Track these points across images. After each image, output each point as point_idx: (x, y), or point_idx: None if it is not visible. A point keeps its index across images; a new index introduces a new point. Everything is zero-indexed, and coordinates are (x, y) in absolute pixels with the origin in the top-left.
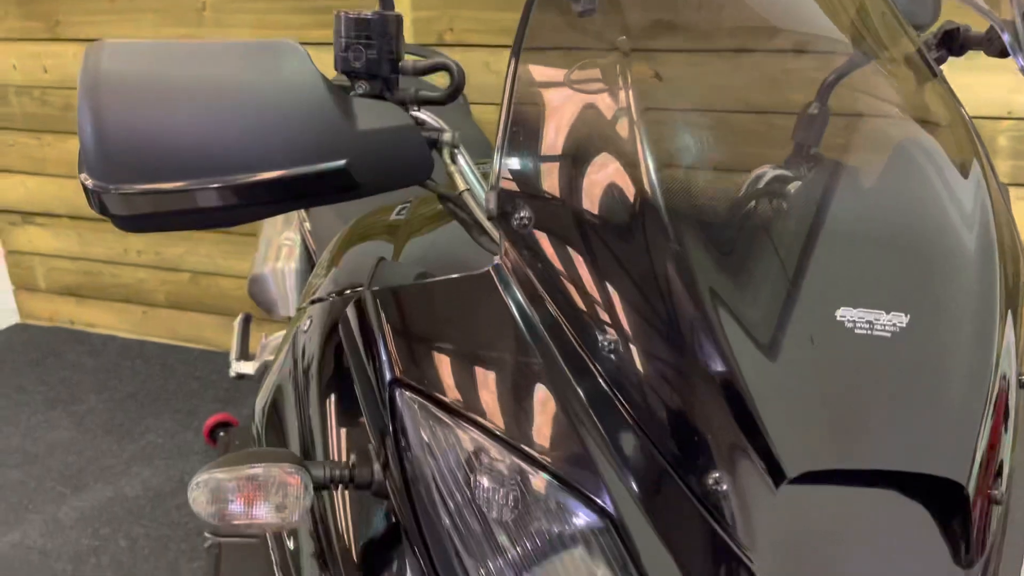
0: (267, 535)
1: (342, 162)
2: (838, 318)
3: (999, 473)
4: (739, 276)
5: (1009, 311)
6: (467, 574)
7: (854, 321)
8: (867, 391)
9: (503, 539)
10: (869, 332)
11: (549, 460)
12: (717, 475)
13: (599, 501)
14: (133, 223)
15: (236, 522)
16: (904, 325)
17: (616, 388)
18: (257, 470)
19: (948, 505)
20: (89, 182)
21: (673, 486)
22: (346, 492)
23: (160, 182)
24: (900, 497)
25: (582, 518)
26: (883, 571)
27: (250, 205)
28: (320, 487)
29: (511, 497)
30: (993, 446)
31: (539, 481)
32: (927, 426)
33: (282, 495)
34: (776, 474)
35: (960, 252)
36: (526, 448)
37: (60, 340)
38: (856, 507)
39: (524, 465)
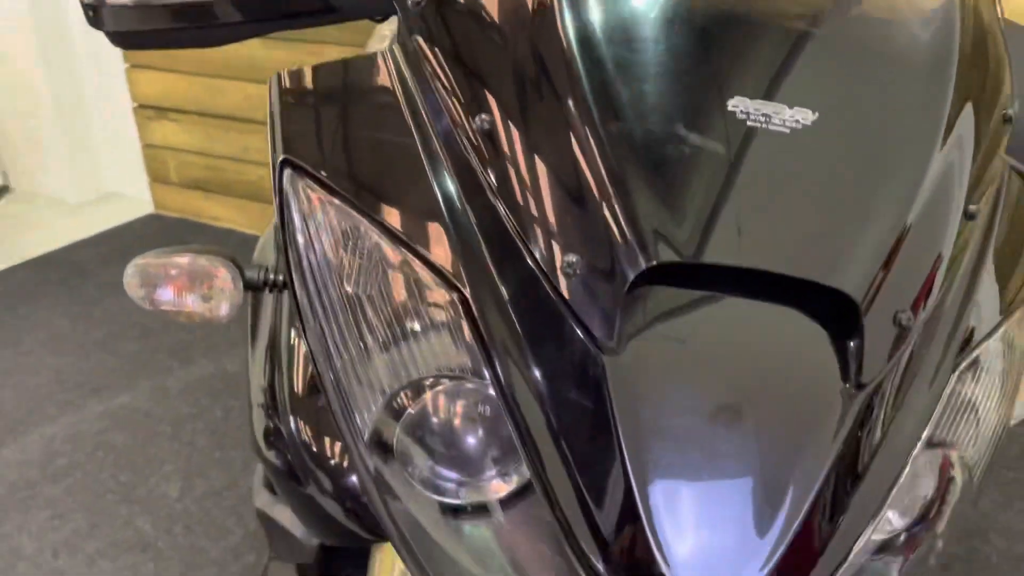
0: None
1: None
2: (730, 108)
3: (923, 301)
4: (628, 60)
5: (962, 131)
6: (334, 346)
7: (747, 112)
8: (750, 187)
9: (368, 314)
10: (764, 126)
11: (412, 238)
12: (572, 259)
13: (454, 279)
14: (124, 39)
15: (164, 308)
16: (809, 123)
17: (486, 169)
18: (184, 259)
19: (848, 326)
20: None
21: (528, 268)
22: (282, 295)
23: None
24: (785, 309)
25: (438, 294)
26: (746, 374)
27: (229, 24)
28: (251, 287)
29: (376, 273)
30: (911, 269)
31: (401, 258)
32: (817, 231)
33: (208, 286)
34: (635, 262)
35: (904, 57)
36: (394, 227)
37: (187, 230)
38: (732, 312)
39: (389, 242)
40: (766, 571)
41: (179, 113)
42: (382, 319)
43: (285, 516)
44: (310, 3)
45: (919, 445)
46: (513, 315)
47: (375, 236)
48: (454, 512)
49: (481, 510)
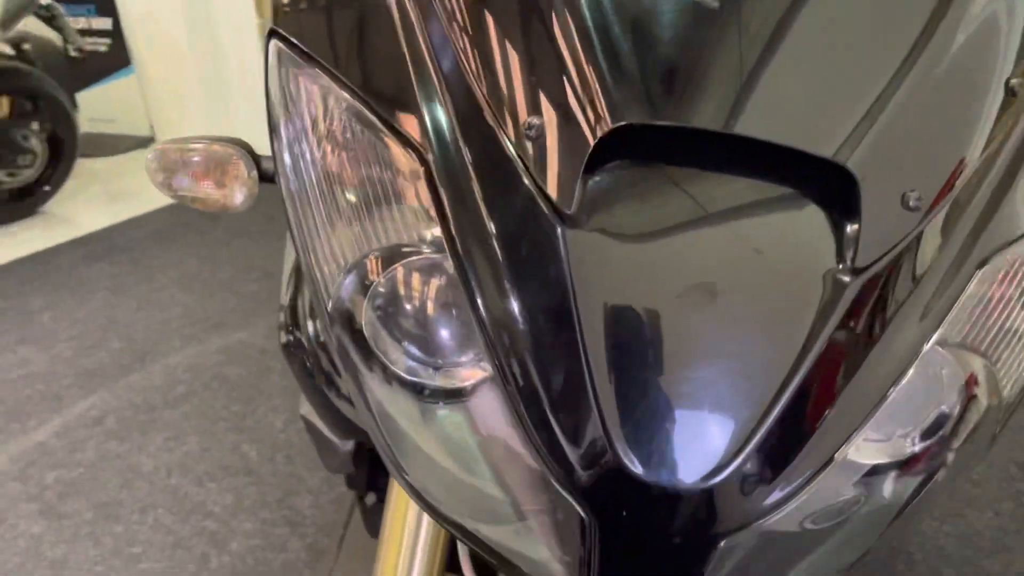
0: None
1: None
2: None
3: (945, 183)
4: None
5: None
6: (309, 219)
7: None
8: (736, 46)
9: (340, 185)
10: None
11: (382, 106)
12: (534, 121)
13: (419, 146)
14: None
15: (182, 193)
16: None
17: (456, 34)
18: (201, 145)
19: (851, 209)
20: None
21: (493, 132)
22: None
23: None
24: (775, 186)
25: (404, 163)
26: (722, 253)
27: None
28: (267, 178)
29: (348, 142)
30: (930, 145)
31: (370, 126)
32: (813, 96)
33: (222, 174)
34: (597, 123)
35: None
36: (364, 94)
37: None
38: (710, 187)
39: (360, 110)
40: (730, 469)
41: None
42: (352, 189)
43: (323, 422)
44: None
45: (928, 345)
46: (475, 183)
47: (348, 104)
48: (424, 396)
49: (454, 396)
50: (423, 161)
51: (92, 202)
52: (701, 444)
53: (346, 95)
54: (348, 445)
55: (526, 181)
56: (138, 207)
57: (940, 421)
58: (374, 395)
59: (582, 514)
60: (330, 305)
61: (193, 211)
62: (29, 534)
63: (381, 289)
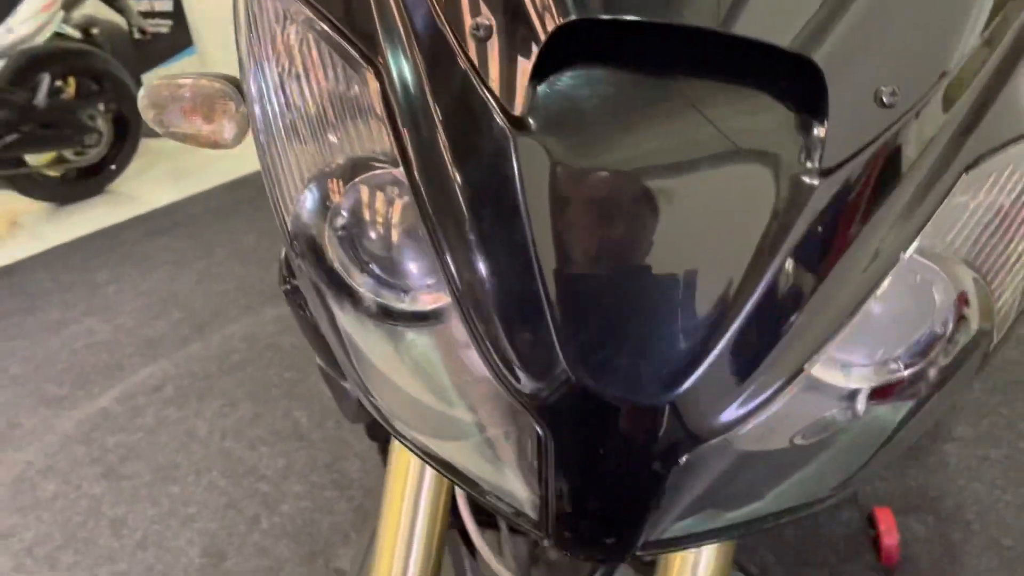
0: None
1: None
2: None
3: (928, 79)
4: None
5: None
6: (271, 132)
7: None
8: None
9: (299, 97)
10: None
11: (333, 13)
12: (483, 20)
13: (370, 52)
14: None
15: (174, 130)
16: None
17: None
18: (188, 80)
19: (821, 108)
20: None
21: (443, 34)
22: None
23: None
24: (738, 88)
25: (356, 71)
26: (678, 157)
27: None
28: None
29: (304, 52)
30: (910, 35)
31: (326, 37)
32: None
33: (211, 108)
34: (547, 20)
35: None
36: (321, 9)
37: None
38: (670, 89)
39: (315, 17)
40: (688, 382)
41: None
42: (311, 106)
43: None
44: None
45: (907, 253)
46: (428, 93)
47: (305, 18)
48: (390, 319)
49: (420, 319)
50: (379, 73)
51: (156, 180)
52: (658, 356)
53: (305, 9)
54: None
55: (477, 87)
56: (199, 184)
57: (927, 341)
58: (338, 318)
59: (538, 431)
60: (290, 224)
61: (253, 189)
62: (91, 494)
63: (342, 207)
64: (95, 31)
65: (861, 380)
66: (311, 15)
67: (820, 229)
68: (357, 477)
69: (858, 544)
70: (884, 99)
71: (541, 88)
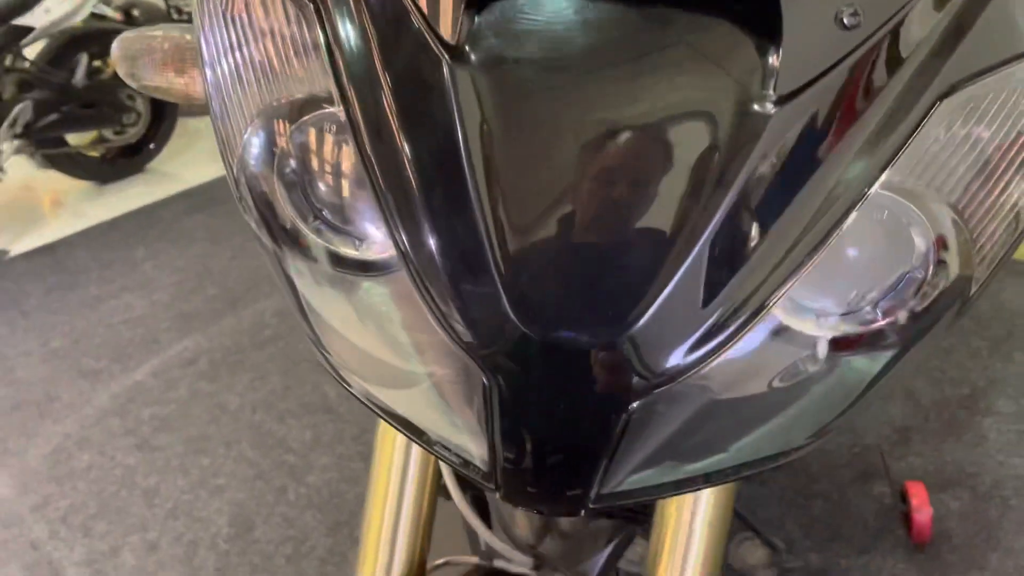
0: None
1: None
2: None
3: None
4: None
5: None
6: (218, 77)
7: None
8: None
9: (240, 34)
10: None
11: None
12: None
13: None
14: None
15: (146, 83)
16: None
17: None
18: (159, 32)
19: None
20: None
21: None
22: None
23: None
24: (691, 15)
25: (299, 5)
26: (627, 88)
27: None
28: None
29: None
30: None
31: None
32: None
33: (181, 60)
34: None
35: None
36: None
37: None
38: (620, 16)
39: None
40: (638, 324)
41: None
42: (252, 41)
43: None
44: None
45: (873, 188)
46: (368, 25)
47: None
48: (340, 266)
49: (370, 268)
50: (318, 6)
51: (194, 159)
52: (605, 296)
53: None
54: None
55: (410, 12)
56: None
57: (902, 286)
58: (287, 265)
59: (483, 378)
60: (236, 168)
61: None
62: (125, 465)
63: (289, 151)
64: (135, 12)
65: (831, 328)
66: None
67: (776, 160)
68: None
69: (889, 519)
70: (845, 20)
71: (482, 14)
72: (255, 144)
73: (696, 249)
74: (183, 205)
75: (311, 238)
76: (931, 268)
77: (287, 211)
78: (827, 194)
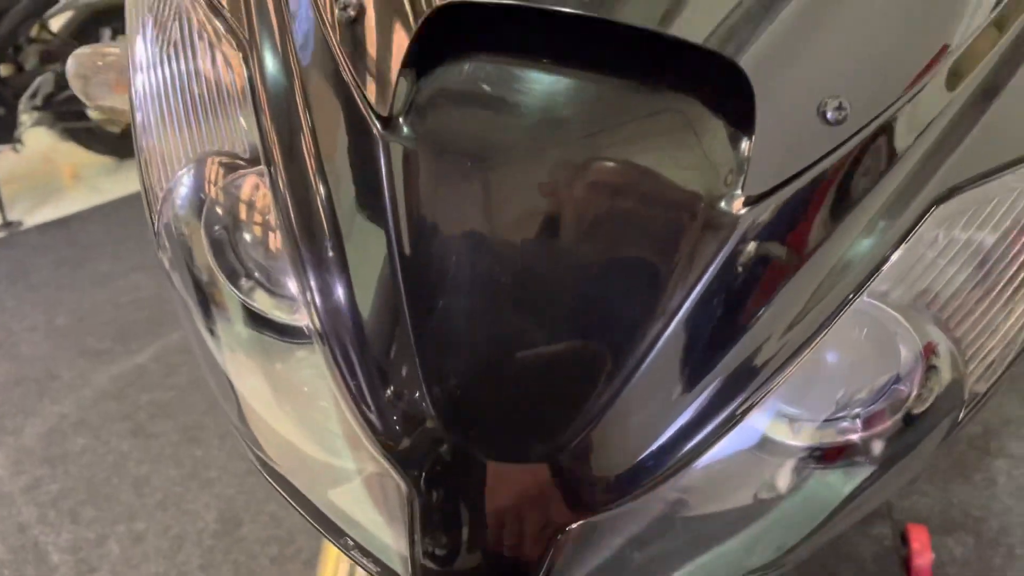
0: None
1: None
2: None
3: (891, 95)
4: None
5: None
6: (147, 115)
7: None
8: None
9: (175, 79)
10: None
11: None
12: (352, 1)
13: (241, 32)
14: None
15: (100, 102)
16: None
17: None
18: (115, 50)
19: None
20: None
21: (313, 20)
22: None
23: None
24: (655, 90)
25: (227, 50)
26: (575, 170)
27: None
28: None
29: (183, 36)
30: (867, 46)
31: (201, 19)
32: None
33: None
34: (422, 5)
35: None
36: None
37: None
38: (572, 88)
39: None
40: (577, 441)
41: None
42: (184, 91)
43: None
44: None
45: (852, 302)
46: (296, 81)
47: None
48: (262, 328)
49: (289, 334)
50: (247, 57)
51: None
52: (543, 409)
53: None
54: None
55: (345, 78)
56: None
57: (885, 401)
58: (206, 324)
59: (402, 484)
60: (157, 221)
61: None
62: (118, 451)
63: (218, 207)
64: None
65: (806, 437)
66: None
67: (741, 268)
68: None
69: (888, 563)
70: (828, 114)
71: (418, 81)
72: (181, 196)
73: (647, 362)
74: None
75: (232, 295)
76: (917, 383)
77: (211, 265)
78: (797, 305)
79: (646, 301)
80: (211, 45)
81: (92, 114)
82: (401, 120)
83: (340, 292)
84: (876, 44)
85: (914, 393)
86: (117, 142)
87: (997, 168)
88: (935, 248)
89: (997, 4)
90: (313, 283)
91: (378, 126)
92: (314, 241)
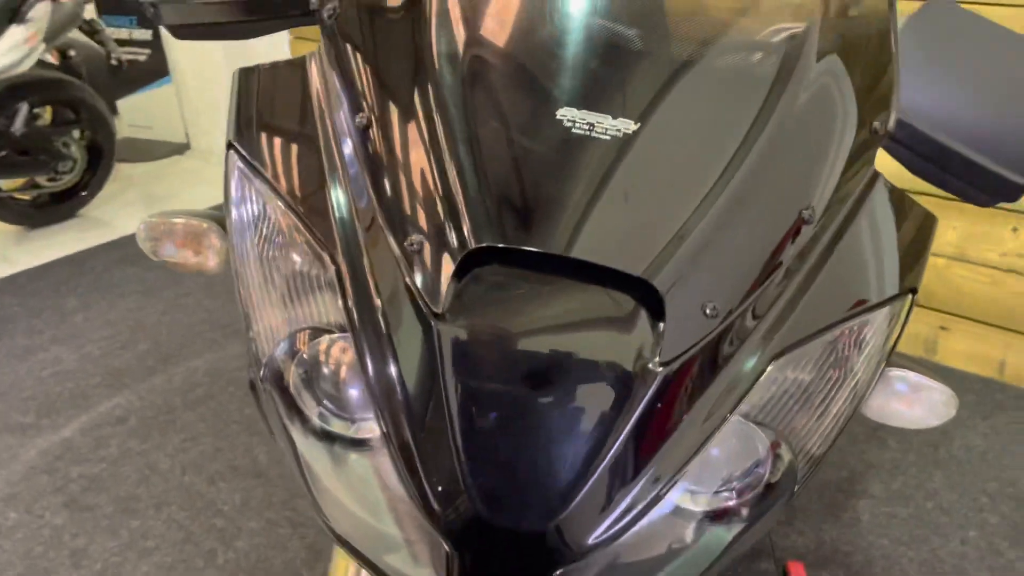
0: None
1: None
2: (558, 116)
3: (743, 295)
4: (478, 74)
5: (803, 141)
6: (248, 292)
7: (573, 121)
8: (572, 186)
9: (273, 271)
10: (588, 133)
11: (306, 217)
12: (415, 239)
13: (333, 252)
14: (180, 32)
15: (166, 259)
16: (631, 131)
17: (362, 161)
18: (182, 220)
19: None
20: None
21: (386, 244)
22: None
23: None
24: (608, 291)
25: (321, 264)
26: (559, 345)
27: (259, 20)
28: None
29: (280, 240)
30: (728, 264)
31: (296, 232)
32: (631, 226)
33: (199, 243)
34: (463, 244)
35: (741, 73)
36: (293, 205)
37: None
38: (556, 292)
39: (291, 217)
40: (562, 515)
41: None
42: (281, 277)
43: None
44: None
45: (729, 420)
46: (372, 285)
47: (281, 212)
48: (335, 444)
49: (357, 445)
50: (334, 261)
51: (128, 206)
52: (538, 494)
53: (280, 204)
54: None
55: (410, 285)
56: None
57: (749, 479)
58: (297, 445)
59: (446, 547)
60: (262, 371)
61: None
62: (53, 524)
63: (305, 359)
64: (72, 54)
65: (703, 503)
66: (287, 211)
67: (659, 405)
68: (311, 515)
69: None
70: (707, 311)
71: (459, 287)
72: (281, 353)
73: (607, 460)
74: (115, 255)
75: (314, 422)
76: (768, 466)
77: (301, 400)
78: (700, 421)
79: (603, 427)
80: (303, 248)
81: (2, 184)
82: (451, 311)
83: (404, 415)
84: (735, 260)
85: (767, 472)
86: (28, 212)
87: (812, 334)
88: (776, 384)
89: (820, 220)
90: (384, 409)
91: (433, 316)
92: (384, 381)
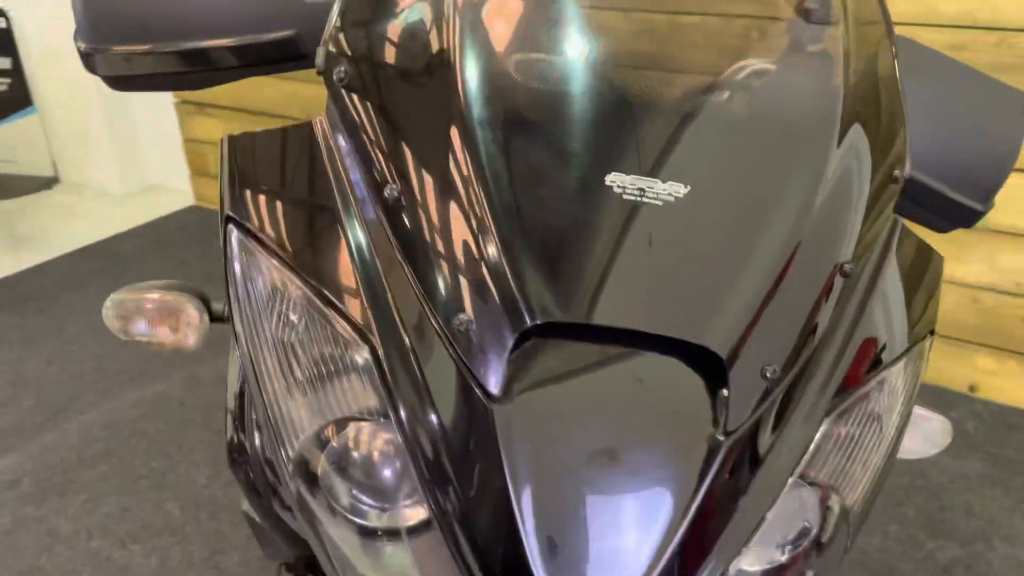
0: None
1: (291, 32)
2: (607, 183)
3: (794, 355)
4: (519, 139)
5: (841, 193)
6: (266, 382)
7: (624, 187)
8: (626, 255)
9: (294, 357)
10: (639, 199)
11: (332, 295)
12: (464, 318)
13: (367, 333)
14: (117, 83)
15: (138, 338)
16: (681, 195)
17: (393, 235)
18: (156, 295)
19: (720, 376)
20: (81, 45)
21: (430, 324)
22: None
23: (135, 44)
24: (665, 360)
25: (354, 347)
26: (623, 420)
27: (210, 70)
28: (217, 319)
29: (301, 322)
30: (781, 326)
31: (321, 312)
32: (687, 293)
33: (176, 319)
34: (518, 322)
35: (781, 127)
36: (316, 284)
37: None
38: (613, 364)
39: (312, 298)
40: None
41: (218, 108)
42: (306, 363)
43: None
44: (283, 50)
45: (788, 483)
46: (416, 367)
47: (301, 291)
48: (371, 535)
49: (395, 535)
50: (370, 346)
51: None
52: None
53: (299, 283)
54: (292, 551)
55: (459, 367)
56: (45, 252)
57: (804, 536)
58: (328, 535)
59: None
60: (291, 466)
61: (105, 256)
62: None
63: (335, 448)
64: None
65: (762, 563)
66: (307, 291)
67: (727, 475)
68: (237, 572)
69: None
70: (767, 374)
71: (513, 363)
72: (310, 442)
73: (679, 534)
74: None
75: (345, 514)
76: (821, 523)
77: (331, 492)
78: (763, 487)
79: (673, 504)
80: (329, 334)
81: None
82: (508, 392)
83: (464, 504)
84: (787, 328)
85: (822, 529)
86: None
87: (858, 387)
88: (828, 441)
89: (839, 294)
90: (439, 499)
91: (489, 398)
92: (438, 470)
